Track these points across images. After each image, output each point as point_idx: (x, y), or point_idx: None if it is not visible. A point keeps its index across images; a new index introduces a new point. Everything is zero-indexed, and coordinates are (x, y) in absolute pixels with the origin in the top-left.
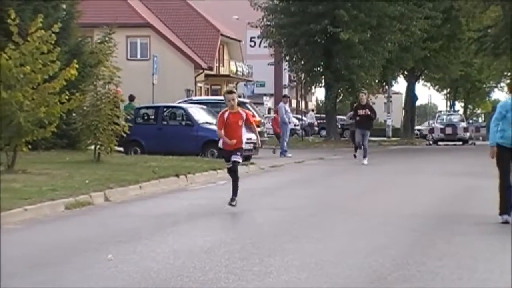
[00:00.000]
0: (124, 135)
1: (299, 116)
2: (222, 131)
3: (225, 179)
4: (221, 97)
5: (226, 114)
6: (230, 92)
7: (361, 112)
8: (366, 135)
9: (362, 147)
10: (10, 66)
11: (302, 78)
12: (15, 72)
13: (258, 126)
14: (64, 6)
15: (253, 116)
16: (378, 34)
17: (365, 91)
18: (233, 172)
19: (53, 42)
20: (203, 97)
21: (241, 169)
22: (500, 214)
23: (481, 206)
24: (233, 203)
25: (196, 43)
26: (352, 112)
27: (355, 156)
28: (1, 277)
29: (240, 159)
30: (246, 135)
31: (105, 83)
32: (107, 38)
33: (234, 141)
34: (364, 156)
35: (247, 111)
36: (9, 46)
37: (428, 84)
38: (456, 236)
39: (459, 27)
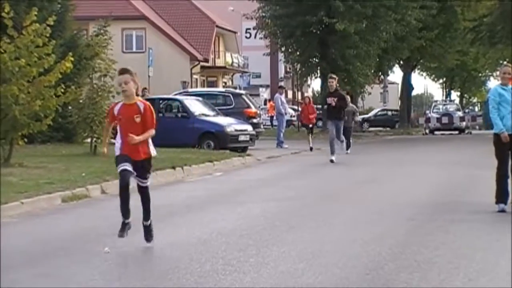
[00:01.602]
0: None
1: (295, 107)
2: (109, 130)
3: (221, 170)
4: (218, 89)
5: (117, 107)
6: (123, 71)
7: (329, 100)
8: (339, 127)
9: (340, 141)
10: (5, 60)
11: (297, 69)
12: (10, 65)
13: (253, 117)
14: None
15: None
16: (374, 24)
17: (335, 76)
18: (125, 195)
19: (48, 35)
20: (199, 89)
21: (238, 161)
22: (497, 203)
23: (477, 195)
24: (149, 243)
25: (191, 35)
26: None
27: (331, 161)
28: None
29: (148, 183)
30: (240, 125)
31: (101, 76)
32: (102, 31)
33: (104, 149)
34: (348, 147)
35: (146, 102)
36: (4, 39)
37: (424, 74)
38: (453, 225)
39: (455, 16)
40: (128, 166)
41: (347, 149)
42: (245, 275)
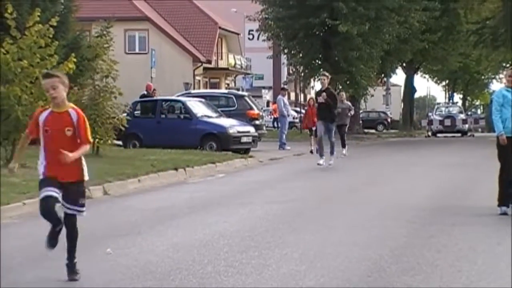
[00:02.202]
0: (123, 128)
1: (298, 109)
2: (26, 142)
3: (224, 172)
4: (221, 90)
5: (44, 114)
6: (48, 75)
7: (320, 99)
8: (330, 129)
9: (330, 141)
10: (7, 60)
11: (300, 71)
12: (12, 66)
13: (256, 119)
14: (62, 0)
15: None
16: (377, 26)
17: (327, 74)
18: (69, 227)
19: (51, 36)
20: (202, 90)
21: (240, 162)
22: (499, 205)
23: (479, 198)
24: (76, 276)
25: (194, 36)
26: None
27: (319, 164)
28: (0, 273)
29: (80, 212)
30: (243, 127)
31: (103, 77)
32: (105, 32)
33: (15, 166)
34: (331, 153)
35: (80, 110)
36: (6, 40)
37: (427, 76)
38: (455, 227)
39: (458, 19)
40: (53, 192)
41: (343, 147)
42: (247, 277)
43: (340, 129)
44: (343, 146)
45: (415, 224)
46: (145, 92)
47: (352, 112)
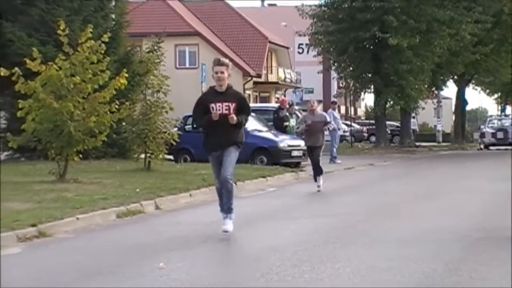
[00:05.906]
0: (174, 143)
1: (348, 122)
2: None
3: (274, 186)
4: (271, 104)
5: None
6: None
7: (216, 107)
8: (229, 155)
9: (227, 183)
10: (60, 77)
11: (351, 85)
12: (65, 82)
13: None
14: (113, 16)
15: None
16: (427, 39)
17: (227, 62)
18: None
19: (102, 51)
20: (252, 104)
21: (291, 176)
22: None
23: None
24: None
25: (244, 50)
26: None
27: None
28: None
29: None
30: (293, 141)
31: (154, 92)
32: (155, 47)
33: None
34: (227, 211)
35: None
36: (59, 56)
37: (479, 88)
38: (509, 242)
39: (510, 31)
40: None
41: (317, 176)
42: None
43: (312, 153)
44: (319, 174)
45: (469, 238)
46: (280, 107)
47: (332, 127)
